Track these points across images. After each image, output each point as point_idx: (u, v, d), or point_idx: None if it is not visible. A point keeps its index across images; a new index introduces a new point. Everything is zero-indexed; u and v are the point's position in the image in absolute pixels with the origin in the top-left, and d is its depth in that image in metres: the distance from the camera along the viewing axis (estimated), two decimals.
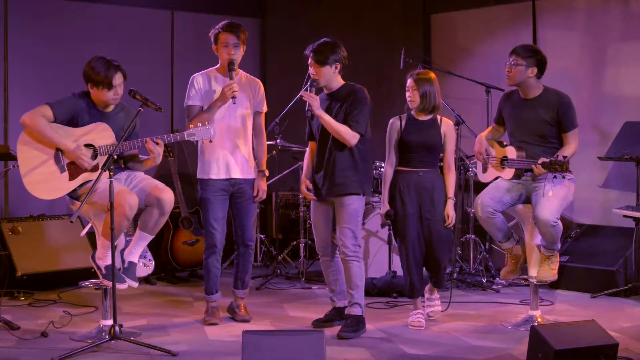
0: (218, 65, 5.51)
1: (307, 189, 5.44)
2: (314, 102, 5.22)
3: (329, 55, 5.27)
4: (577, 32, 7.32)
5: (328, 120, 5.24)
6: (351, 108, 5.27)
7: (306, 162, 5.55)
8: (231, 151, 5.45)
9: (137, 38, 7.58)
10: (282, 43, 8.33)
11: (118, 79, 5.01)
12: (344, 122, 5.26)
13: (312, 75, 5.31)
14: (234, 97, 5.29)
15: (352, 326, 5.23)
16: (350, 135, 5.24)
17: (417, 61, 6.82)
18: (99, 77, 4.96)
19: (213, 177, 5.46)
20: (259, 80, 5.65)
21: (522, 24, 7.59)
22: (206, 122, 5.15)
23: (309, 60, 5.32)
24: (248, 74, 5.63)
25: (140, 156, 5.22)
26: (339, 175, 5.27)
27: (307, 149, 5.59)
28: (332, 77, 5.32)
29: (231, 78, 5.34)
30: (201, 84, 5.47)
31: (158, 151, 4.98)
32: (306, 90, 5.32)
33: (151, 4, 7.85)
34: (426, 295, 5.58)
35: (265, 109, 5.64)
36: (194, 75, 5.53)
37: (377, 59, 8.22)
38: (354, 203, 5.28)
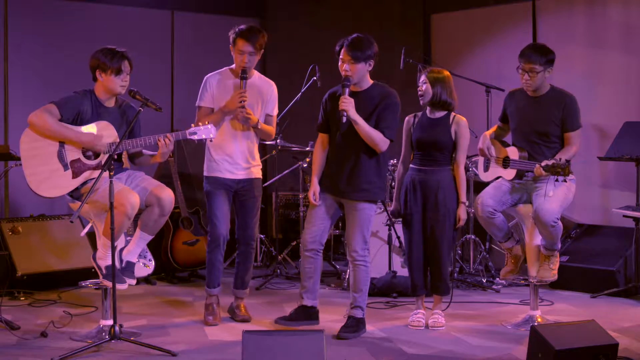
0: (233, 65, 5.49)
1: (314, 195, 5.24)
2: (351, 106, 5.04)
3: (365, 50, 5.09)
4: (577, 32, 7.32)
5: (363, 125, 5.05)
6: (385, 113, 5.13)
7: (318, 160, 5.30)
8: (237, 152, 5.45)
9: (137, 38, 7.58)
10: (282, 43, 8.33)
11: (126, 65, 5.07)
12: (376, 126, 5.11)
13: (344, 73, 5.11)
14: (243, 107, 5.28)
15: (352, 327, 5.22)
16: (383, 142, 5.11)
17: (417, 61, 6.82)
18: (107, 63, 5.01)
19: (217, 175, 5.47)
20: (272, 83, 5.60)
21: (522, 24, 7.59)
22: (206, 122, 5.16)
23: (341, 55, 5.11)
24: (262, 75, 5.60)
25: (144, 151, 5.23)
26: (365, 181, 5.15)
27: (318, 142, 5.34)
28: (365, 75, 5.17)
29: (242, 87, 5.33)
30: (214, 86, 5.46)
31: (169, 148, 5.01)
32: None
33: (151, 4, 7.85)
34: (433, 309, 5.54)
35: (275, 111, 5.59)
36: (208, 75, 5.53)
37: (377, 59, 8.21)
38: (370, 208, 5.21)
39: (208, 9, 8.05)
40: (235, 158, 5.45)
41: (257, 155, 5.58)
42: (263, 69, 8.53)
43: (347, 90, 5.07)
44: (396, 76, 7.75)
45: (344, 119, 5.03)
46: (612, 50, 7.12)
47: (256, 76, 5.55)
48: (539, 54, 5.26)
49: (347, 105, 5.03)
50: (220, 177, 5.47)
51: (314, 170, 5.32)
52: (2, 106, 7.15)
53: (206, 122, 5.14)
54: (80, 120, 5.02)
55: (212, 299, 5.57)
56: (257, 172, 5.56)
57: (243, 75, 5.35)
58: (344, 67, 5.09)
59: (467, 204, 5.33)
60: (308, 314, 5.30)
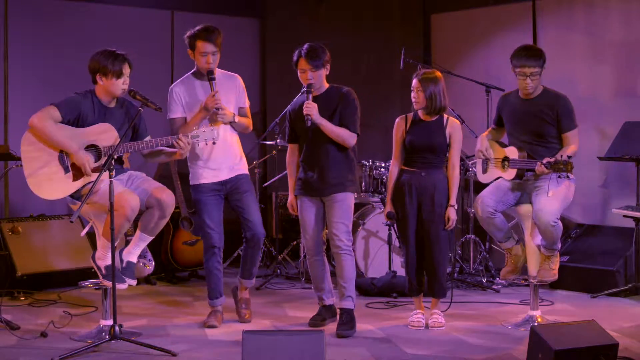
0: (195, 69, 5.45)
1: (292, 207, 5.53)
2: (314, 110, 5.22)
3: (323, 57, 5.30)
4: (577, 32, 7.32)
5: (328, 125, 5.27)
6: (346, 111, 5.32)
7: (291, 170, 5.52)
8: (219, 153, 5.41)
9: (137, 38, 7.57)
10: (282, 43, 8.31)
11: (126, 68, 5.06)
12: (340, 124, 5.30)
13: (307, 81, 5.28)
14: (218, 109, 5.26)
15: (348, 322, 5.29)
16: (350, 137, 5.32)
17: (417, 61, 6.82)
18: (108, 67, 4.99)
19: (204, 181, 5.44)
20: (237, 75, 5.57)
21: (522, 24, 7.59)
22: (210, 124, 5.14)
23: (301, 65, 5.29)
24: (224, 71, 5.53)
25: (164, 149, 5.16)
26: (336, 176, 5.33)
27: (288, 153, 5.55)
28: (323, 80, 5.37)
29: (212, 88, 5.30)
30: (181, 95, 5.42)
31: (189, 147, 5.02)
32: (303, 94, 5.33)
33: (151, 4, 7.85)
34: (431, 309, 5.54)
35: (247, 103, 5.58)
36: (172, 86, 5.49)
37: (377, 59, 8.22)
38: (348, 199, 5.36)
39: (208, 9, 8.04)
40: (215, 160, 5.42)
41: (239, 151, 5.53)
42: (263, 69, 8.54)
43: (310, 96, 5.27)
44: (396, 76, 7.76)
45: (309, 123, 5.22)
46: (613, 51, 7.11)
47: (219, 73, 5.48)
48: (537, 57, 5.26)
49: (311, 110, 5.22)
50: (206, 183, 5.44)
51: (290, 181, 5.55)
52: (2, 106, 7.14)
53: (210, 125, 5.13)
54: (82, 122, 5.02)
55: (216, 309, 5.55)
56: (240, 169, 5.51)
57: (211, 76, 5.32)
58: (307, 75, 5.27)
59: (456, 207, 5.34)
60: (332, 312, 5.54)
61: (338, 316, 5.40)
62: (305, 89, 5.30)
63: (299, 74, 5.34)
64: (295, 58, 5.33)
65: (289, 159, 5.54)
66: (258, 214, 5.55)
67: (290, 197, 5.53)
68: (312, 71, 5.26)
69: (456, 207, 5.36)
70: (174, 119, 5.42)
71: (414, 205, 5.36)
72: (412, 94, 5.36)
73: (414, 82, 5.35)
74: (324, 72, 5.33)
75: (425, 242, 5.36)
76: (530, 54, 5.28)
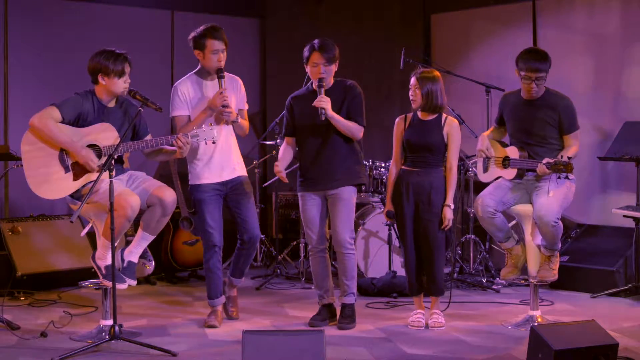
0: (199, 68, 5.44)
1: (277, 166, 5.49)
2: (328, 104, 5.25)
3: (334, 52, 5.34)
4: (577, 32, 7.32)
5: (339, 119, 5.31)
6: (353, 104, 5.37)
7: (284, 154, 5.52)
8: (220, 153, 5.41)
9: (137, 38, 7.58)
10: (282, 43, 8.34)
11: (127, 67, 5.07)
12: (347, 117, 5.34)
13: (319, 75, 5.30)
14: (225, 106, 5.26)
15: (350, 316, 5.37)
16: (358, 130, 5.37)
17: (417, 61, 6.82)
18: (109, 66, 4.99)
19: (205, 181, 5.43)
20: (238, 78, 5.59)
21: (522, 24, 7.59)
22: (210, 124, 5.13)
23: (313, 59, 5.30)
24: (228, 73, 5.53)
25: (165, 147, 5.14)
26: (341, 170, 5.36)
27: (284, 144, 5.58)
28: (332, 75, 5.40)
29: (221, 86, 5.30)
30: (186, 92, 5.40)
31: (188, 146, 5.02)
32: (307, 88, 5.34)
33: (151, 4, 7.85)
34: (431, 309, 5.54)
35: (247, 105, 5.61)
36: (177, 84, 5.46)
37: (377, 59, 8.22)
38: (351, 196, 5.39)
39: (208, 9, 8.05)
40: (217, 160, 5.41)
41: (238, 153, 5.55)
42: (263, 69, 8.54)
43: (322, 90, 5.28)
44: (396, 76, 7.76)
45: (323, 117, 5.23)
46: (612, 50, 7.11)
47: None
48: (544, 61, 5.23)
49: (325, 104, 5.24)
50: (207, 183, 5.42)
51: (281, 160, 5.51)
52: (2, 106, 7.15)
53: (209, 124, 5.12)
54: (82, 122, 5.02)
55: (216, 308, 5.54)
56: (241, 170, 5.53)
57: (221, 74, 5.31)
58: (320, 69, 5.30)
59: (452, 207, 5.34)
60: (332, 312, 5.54)
61: (339, 311, 5.44)
62: (317, 83, 5.31)
63: (309, 68, 5.35)
64: (307, 53, 5.35)
65: (283, 147, 5.55)
66: (255, 216, 5.56)
67: (279, 164, 5.46)
68: (325, 65, 5.29)
69: (452, 207, 5.35)
70: (178, 117, 5.40)
71: (411, 205, 5.37)
72: (410, 92, 5.38)
73: (412, 80, 5.37)
74: (334, 67, 5.36)
75: (422, 242, 5.37)
76: (538, 58, 5.24)
